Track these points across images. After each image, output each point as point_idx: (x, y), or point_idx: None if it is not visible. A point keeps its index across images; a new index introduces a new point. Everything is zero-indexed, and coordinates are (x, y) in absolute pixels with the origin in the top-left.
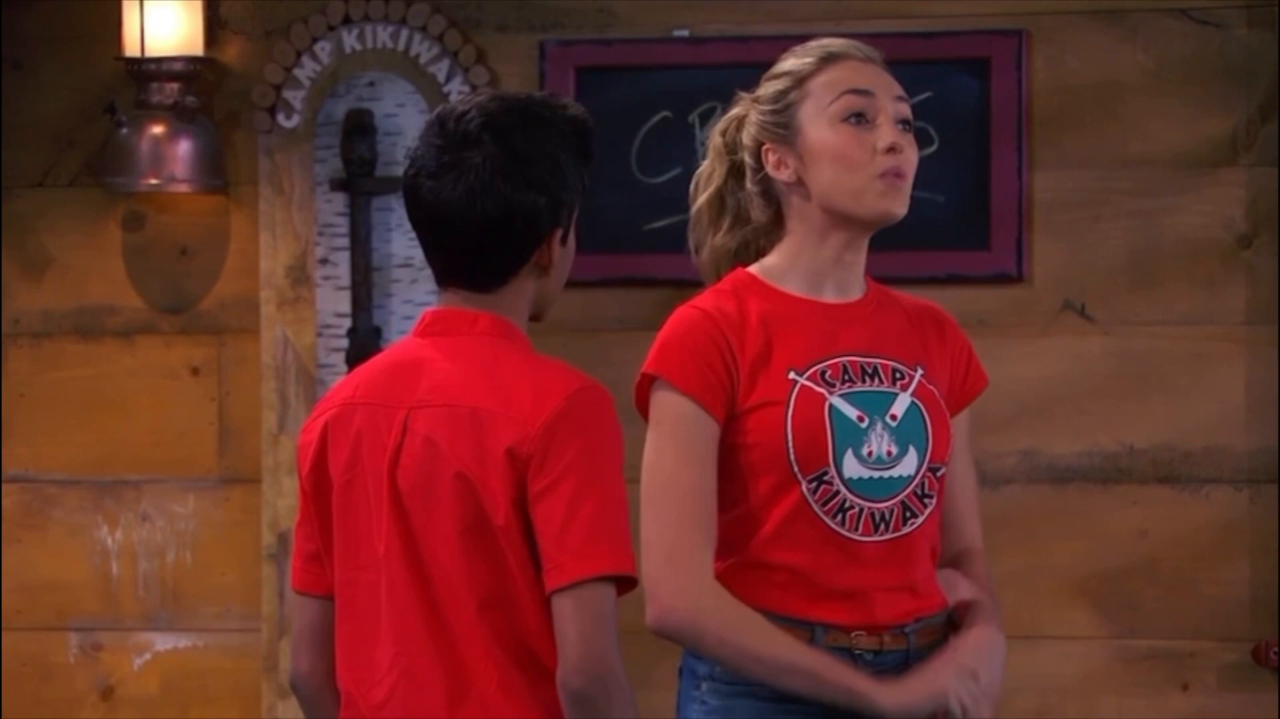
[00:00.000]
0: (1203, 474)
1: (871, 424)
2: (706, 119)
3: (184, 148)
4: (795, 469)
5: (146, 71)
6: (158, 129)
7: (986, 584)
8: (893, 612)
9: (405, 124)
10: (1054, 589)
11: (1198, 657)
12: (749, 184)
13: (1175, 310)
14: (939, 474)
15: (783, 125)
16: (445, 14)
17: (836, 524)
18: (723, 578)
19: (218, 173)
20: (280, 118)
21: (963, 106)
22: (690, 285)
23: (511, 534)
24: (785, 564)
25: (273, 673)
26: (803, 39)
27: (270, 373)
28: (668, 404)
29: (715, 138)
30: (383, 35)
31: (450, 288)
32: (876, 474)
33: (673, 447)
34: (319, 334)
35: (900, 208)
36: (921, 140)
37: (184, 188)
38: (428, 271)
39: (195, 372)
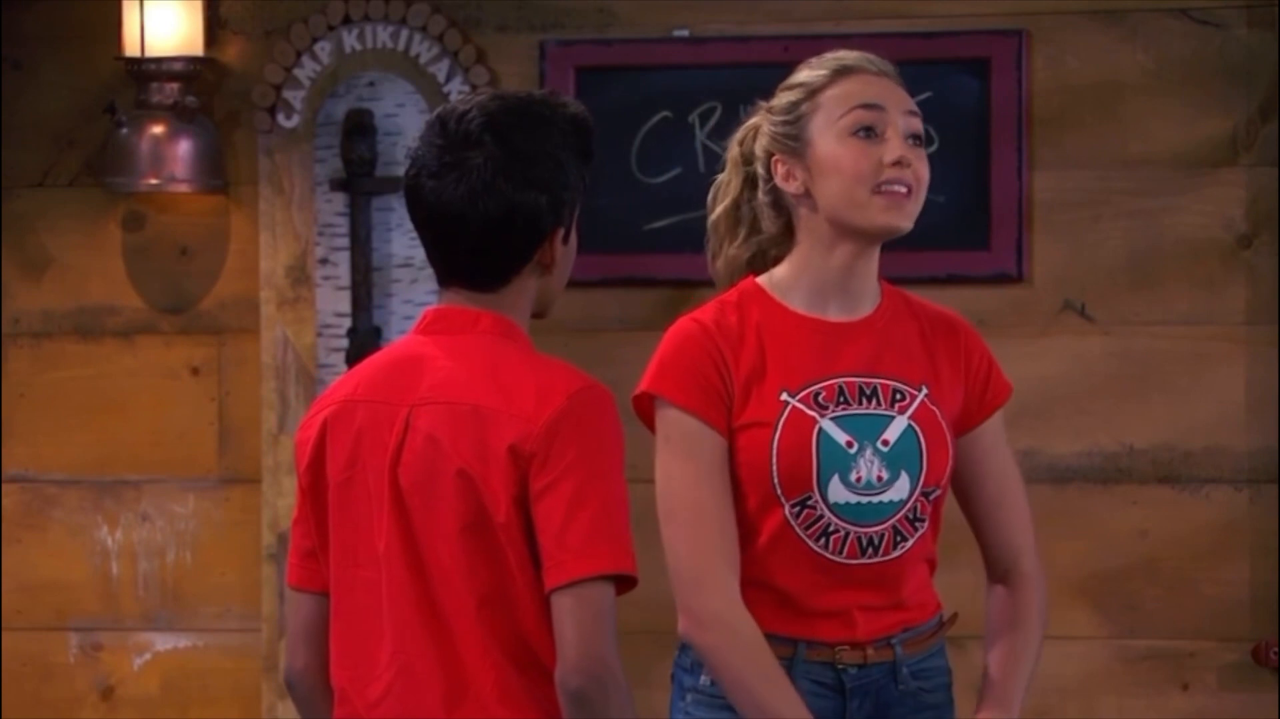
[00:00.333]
0: (1203, 474)
1: (861, 450)
2: (706, 119)
3: (184, 148)
4: (779, 492)
5: (146, 71)
6: (158, 129)
7: (1033, 617)
8: (877, 626)
9: (405, 124)
10: (1054, 589)
11: (1198, 657)
12: (760, 194)
13: (1175, 310)
14: (932, 497)
15: (793, 137)
16: (445, 14)
17: (820, 548)
18: None
19: (218, 173)
20: (280, 118)
21: (963, 106)
22: (690, 285)
23: (512, 532)
24: (771, 584)
25: (273, 673)
26: (803, 39)
27: (270, 373)
28: (673, 421)
29: (733, 148)
30: (383, 35)
31: (452, 287)
32: (865, 499)
33: (685, 464)
34: (319, 334)
35: (904, 222)
36: None
37: (184, 188)
38: (428, 271)
39: (195, 372)
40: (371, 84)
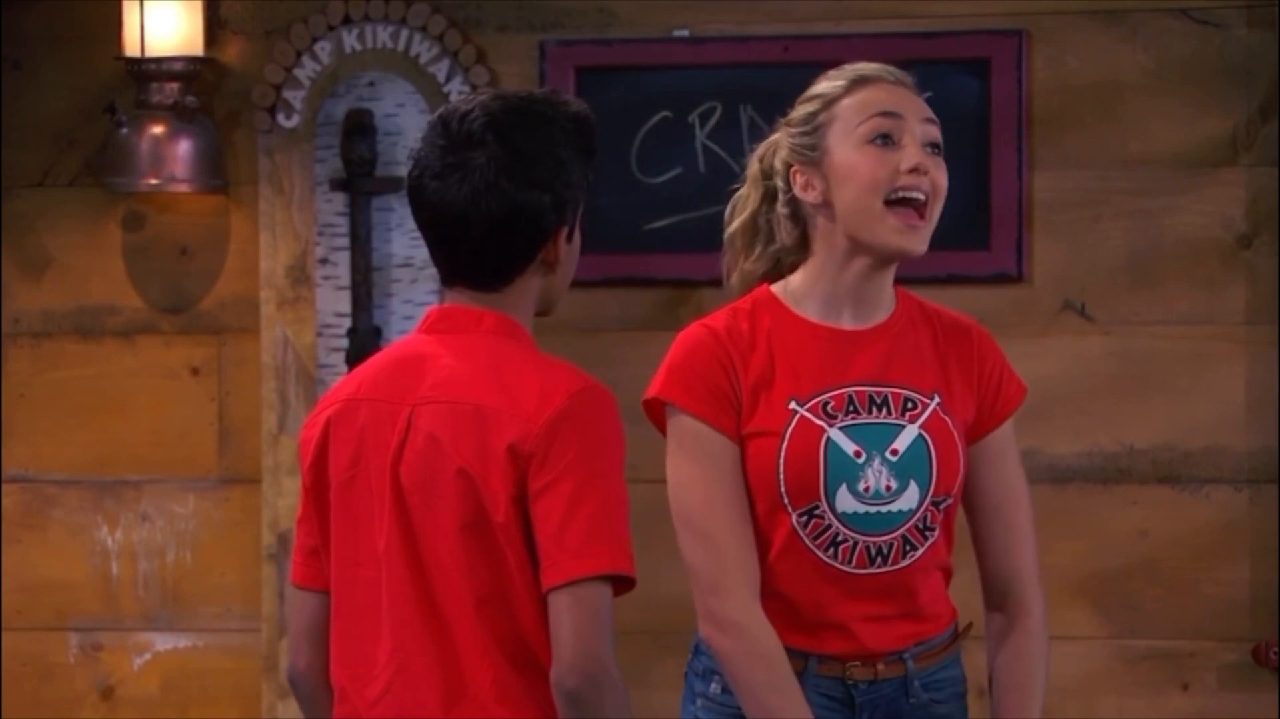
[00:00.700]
0: (1203, 474)
1: (869, 459)
2: (706, 119)
3: (184, 148)
4: (785, 501)
5: (146, 71)
6: (158, 129)
7: (1034, 657)
8: (888, 638)
9: (405, 124)
10: (1054, 589)
11: (1198, 657)
12: (779, 206)
13: (1175, 310)
14: (942, 506)
15: (811, 147)
16: (445, 14)
17: (828, 557)
18: None
19: (218, 173)
20: (280, 118)
21: (963, 106)
22: (690, 285)
23: (511, 531)
24: (782, 594)
25: (273, 673)
26: (803, 39)
27: (270, 373)
28: (685, 427)
29: (753, 164)
30: (383, 35)
31: (456, 287)
32: (874, 509)
33: (697, 468)
34: (319, 334)
35: (916, 246)
36: None
37: (184, 188)
38: (428, 271)
39: (195, 372)
40: (371, 84)
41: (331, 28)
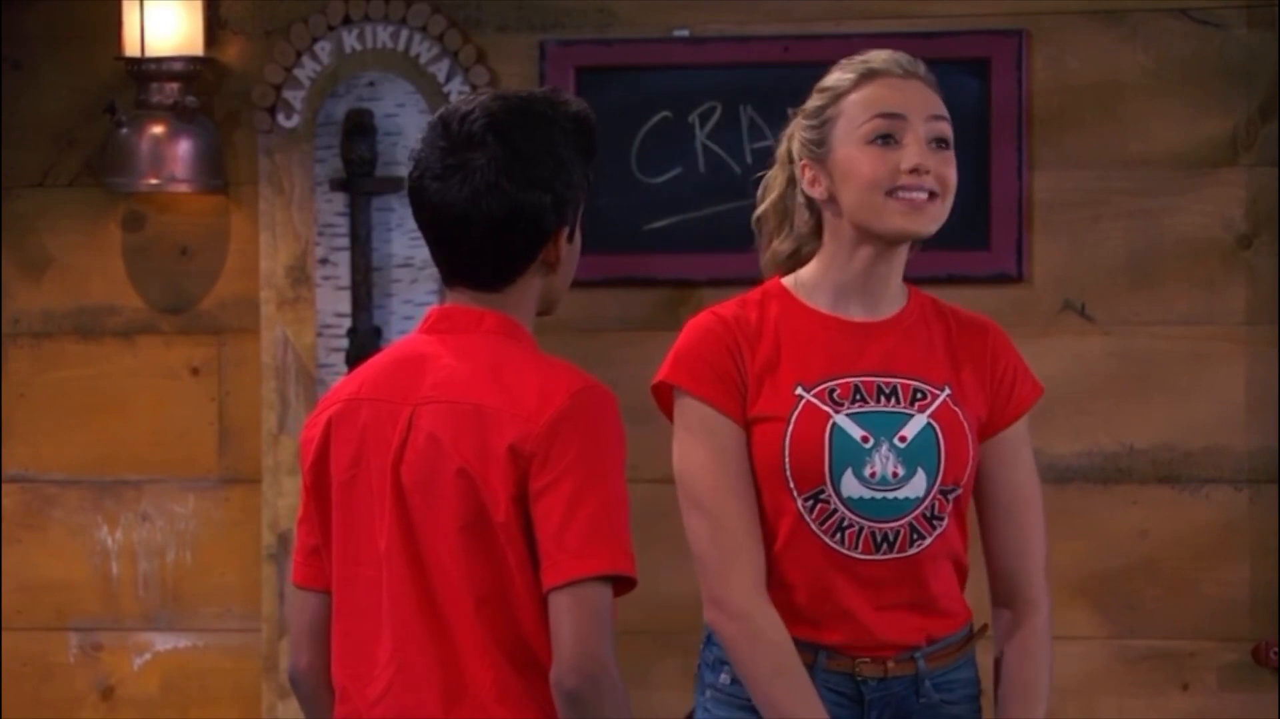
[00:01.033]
0: (1203, 474)
1: (877, 445)
2: (706, 119)
3: (184, 148)
4: (791, 485)
5: (146, 71)
6: (158, 129)
7: (1039, 656)
8: (898, 632)
9: (405, 124)
10: (1055, 589)
11: (1198, 657)
12: (797, 193)
13: (1175, 310)
14: (951, 496)
15: (817, 143)
16: (445, 14)
17: (835, 543)
18: None
19: (218, 173)
20: (280, 118)
21: (963, 106)
22: (690, 285)
23: (511, 531)
24: (790, 583)
25: (273, 673)
26: (803, 39)
27: (270, 373)
28: (692, 410)
29: (783, 143)
30: (383, 35)
31: (457, 287)
32: (880, 495)
33: (704, 452)
34: (319, 334)
35: (924, 226)
36: None
37: (184, 188)
38: (428, 271)
39: (195, 372)
40: (371, 84)
41: (331, 28)
